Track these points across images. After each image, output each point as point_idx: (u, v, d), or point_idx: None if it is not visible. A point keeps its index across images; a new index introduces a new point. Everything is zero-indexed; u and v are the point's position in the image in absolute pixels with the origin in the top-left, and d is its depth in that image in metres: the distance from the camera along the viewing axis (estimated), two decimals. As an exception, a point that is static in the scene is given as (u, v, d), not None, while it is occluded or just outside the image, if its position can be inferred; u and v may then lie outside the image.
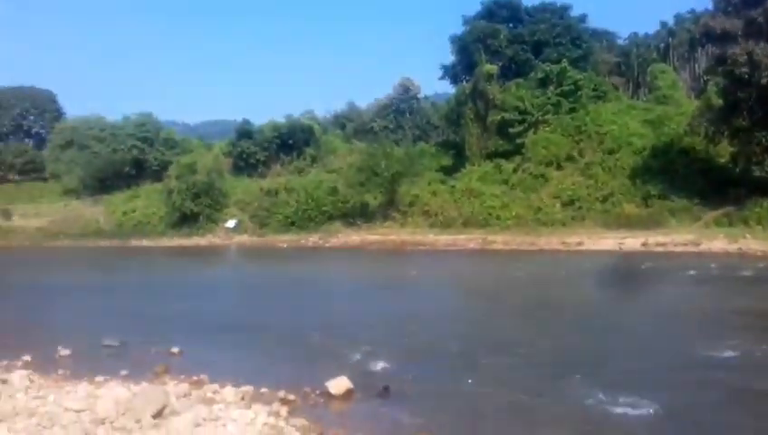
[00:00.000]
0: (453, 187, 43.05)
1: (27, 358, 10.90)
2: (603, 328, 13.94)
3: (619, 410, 7.88)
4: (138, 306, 17.67)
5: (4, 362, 10.53)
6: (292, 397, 8.50)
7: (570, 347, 12.03)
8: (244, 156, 53.85)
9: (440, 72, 54.48)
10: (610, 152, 39.93)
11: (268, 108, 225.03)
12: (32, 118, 68.86)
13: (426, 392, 8.99)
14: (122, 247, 44.78)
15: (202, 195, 47.15)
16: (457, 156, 47.74)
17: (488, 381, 9.35)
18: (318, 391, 8.76)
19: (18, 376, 9.10)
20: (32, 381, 9.05)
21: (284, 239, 42.84)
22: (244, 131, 55.13)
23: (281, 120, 57.09)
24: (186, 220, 47.53)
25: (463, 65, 51.33)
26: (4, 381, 8.87)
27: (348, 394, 8.73)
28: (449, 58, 53.28)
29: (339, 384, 8.75)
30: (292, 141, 54.11)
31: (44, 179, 60.83)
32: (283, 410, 7.80)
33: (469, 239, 36.32)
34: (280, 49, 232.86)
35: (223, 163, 54.44)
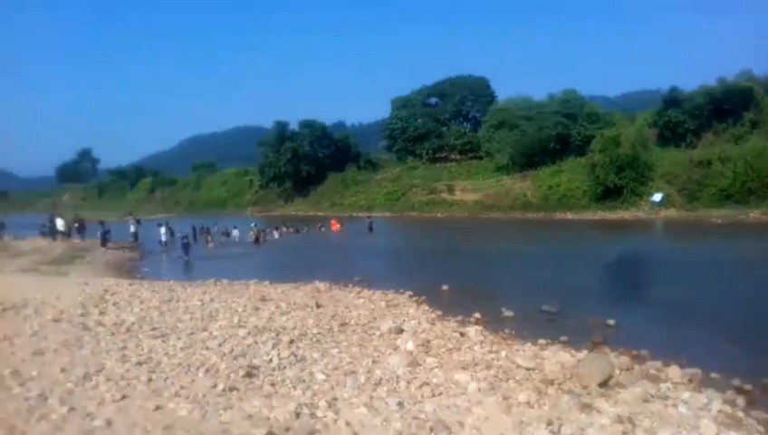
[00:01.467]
0: None
1: (477, 315, 12.42)
2: None
3: None
4: (568, 276, 18.25)
5: (460, 317, 12.27)
6: (748, 387, 7.79)
7: None
8: (671, 125, 50.31)
9: None
10: None
11: (695, 73, 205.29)
12: (469, 103, 76.74)
13: None
14: (548, 220, 46.84)
15: (626, 168, 45.76)
16: None
17: None
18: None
19: (474, 331, 10.49)
20: (484, 336, 10.32)
21: (718, 214, 38.75)
22: (672, 100, 51.36)
23: (712, 84, 51.45)
24: (609, 194, 46.92)
25: None
26: (463, 335, 10.34)
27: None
28: None
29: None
30: (728, 107, 48.29)
31: (480, 158, 67.39)
32: (740, 400, 7.21)
33: None
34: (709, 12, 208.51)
35: (647, 134, 51.85)
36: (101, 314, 11.29)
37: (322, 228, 41.93)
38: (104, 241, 30.32)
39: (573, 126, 57.40)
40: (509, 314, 12.76)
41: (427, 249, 29.46)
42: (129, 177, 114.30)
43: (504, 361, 8.60)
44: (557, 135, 56.97)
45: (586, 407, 6.52)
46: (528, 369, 8.04)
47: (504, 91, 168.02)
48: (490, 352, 9.15)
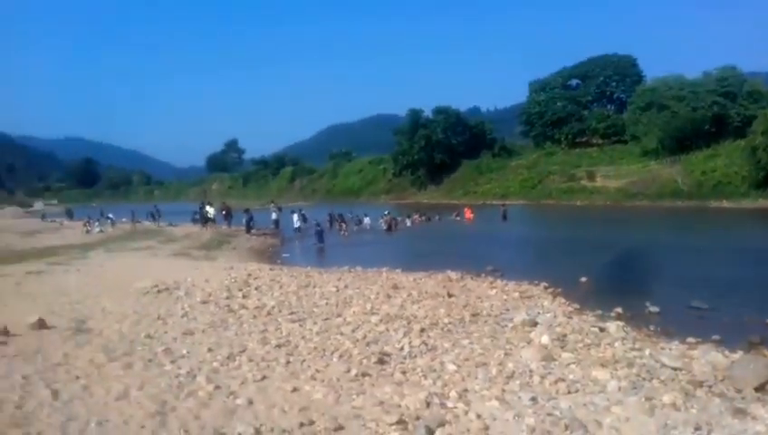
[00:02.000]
0: None
1: (619, 310, 11.72)
2: None
3: None
4: (723, 270, 16.79)
5: (599, 312, 11.65)
6: None
7: None
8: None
9: None
10: None
11: None
12: (613, 84, 72.94)
13: None
14: (700, 208, 43.55)
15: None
16: None
17: None
18: None
19: (614, 326, 9.91)
20: (626, 332, 9.72)
21: None
22: None
23: None
24: (772, 180, 42.90)
25: None
26: (602, 330, 9.80)
27: None
28: None
29: None
30: None
31: (624, 142, 63.96)
32: None
33: None
34: None
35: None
36: (245, 297, 11.96)
37: (457, 217, 41.68)
38: (248, 228, 32.18)
39: (732, 106, 52.89)
40: (654, 309, 11.91)
41: (565, 239, 28.42)
42: (271, 166, 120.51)
43: (648, 359, 8.03)
44: (712, 116, 52.80)
45: (739, 412, 5.92)
46: (675, 369, 7.45)
47: (653, 70, 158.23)
48: (632, 349, 8.59)
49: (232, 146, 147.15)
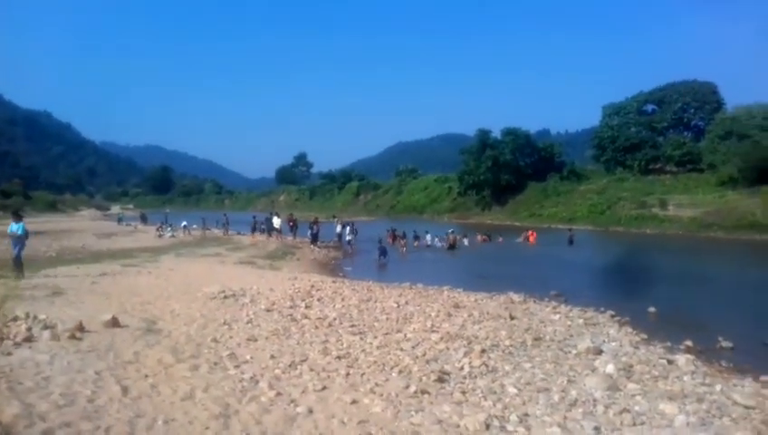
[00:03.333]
0: None
1: (688, 343, 11.26)
2: None
3: None
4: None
5: (668, 344, 11.22)
6: None
7: None
8: None
9: None
10: None
11: None
12: (692, 111, 70.50)
13: None
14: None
15: None
16: None
17: None
18: None
19: (684, 359, 9.53)
20: (696, 366, 9.32)
21: None
22: None
23: None
24: None
25: None
26: (671, 362, 9.44)
27: None
28: None
29: None
30: None
31: (700, 171, 61.56)
32: None
33: None
34: None
35: None
36: (307, 307, 12.14)
37: (521, 240, 41.00)
38: (314, 240, 32.67)
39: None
40: (727, 344, 11.38)
41: (634, 267, 27.54)
42: (337, 180, 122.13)
43: (719, 395, 7.68)
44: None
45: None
46: (747, 407, 7.09)
47: (734, 98, 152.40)
48: (702, 384, 8.24)
49: (301, 159, 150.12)
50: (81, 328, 8.30)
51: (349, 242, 34.00)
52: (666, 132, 70.30)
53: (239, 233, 40.02)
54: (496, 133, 79.39)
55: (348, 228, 35.03)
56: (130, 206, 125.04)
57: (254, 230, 37.91)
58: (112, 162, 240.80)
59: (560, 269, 26.26)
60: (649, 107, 73.29)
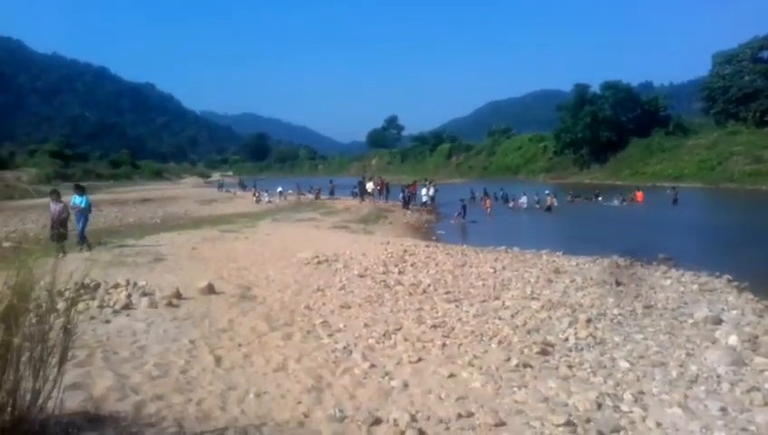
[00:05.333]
0: None
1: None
2: None
3: None
4: None
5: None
6: None
7: None
8: None
9: None
10: None
11: None
12: (816, 55, 64.19)
13: None
14: None
15: None
16: None
17: None
18: None
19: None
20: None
21: None
22: None
23: None
24: None
25: None
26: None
27: None
28: None
29: None
30: None
31: (825, 120, 56.22)
32: None
33: None
34: None
35: None
36: (400, 273, 11.87)
37: (623, 202, 38.89)
38: (406, 203, 32.44)
39: None
40: None
41: (750, 227, 25.42)
42: (428, 143, 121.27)
43: None
44: None
45: None
46: None
47: None
48: None
49: (392, 122, 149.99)
50: (178, 295, 8.41)
51: (424, 203, 33.56)
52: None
53: (333, 197, 40.42)
54: (595, 88, 75.74)
55: (425, 189, 34.55)
56: (230, 173, 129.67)
57: (356, 195, 38.02)
58: (212, 131, 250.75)
59: (666, 230, 24.68)
60: (765, 53, 67.26)
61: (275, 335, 6.97)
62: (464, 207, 28.83)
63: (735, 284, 12.40)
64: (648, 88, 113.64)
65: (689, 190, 46.29)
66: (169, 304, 8.00)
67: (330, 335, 7.14)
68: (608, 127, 70.98)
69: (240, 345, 6.49)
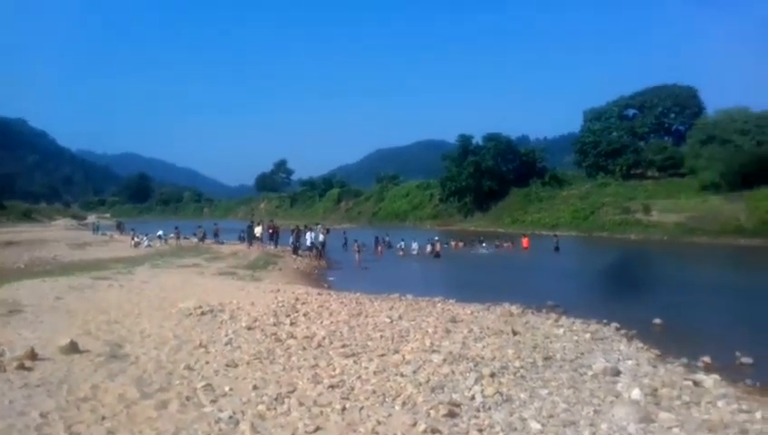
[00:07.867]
0: None
1: (706, 359, 10.35)
2: None
3: None
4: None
5: (684, 360, 10.33)
6: None
7: None
8: None
9: None
10: None
11: None
12: (672, 115, 70.69)
13: None
14: (765, 247, 41.07)
15: None
16: None
17: None
18: None
19: (711, 381, 8.62)
20: (724, 388, 8.43)
21: None
22: None
23: None
24: None
25: None
26: (697, 384, 8.54)
27: None
28: None
29: None
30: None
31: (681, 175, 61.49)
32: None
33: None
34: None
35: None
36: (292, 324, 11.08)
37: (505, 244, 40.44)
38: (295, 248, 31.52)
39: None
40: (747, 360, 10.51)
41: (625, 275, 26.78)
42: (318, 187, 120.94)
43: (762, 424, 6.78)
44: (778, 151, 50.09)
45: None
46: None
47: (714, 102, 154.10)
48: (740, 410, 7.30)
49: (281, 166, 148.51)
50: (32, 355, 7.20)
51: (310, 248, 32.03)
52: (647, 137, 70.32)
53: (218, 242, 38.71)
54: (478, 139, 78.96)
55: (311, 233, 32.91)
56: (107, 215, 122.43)
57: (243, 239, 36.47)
58: (89, 171, 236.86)
59: (549, 277, 25.46)
60: (630, 111, 73.31)
61: (147, 404, 5.96)
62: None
63: (623, 332, 12.63)
64: (524, 141, 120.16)
65: (566, 238, 48.60)
66: (20, 367, 6.79)
67: (213, 401, 6.24)
68: (490, 176, 73.87)
69: (104, 419, 5.47)
